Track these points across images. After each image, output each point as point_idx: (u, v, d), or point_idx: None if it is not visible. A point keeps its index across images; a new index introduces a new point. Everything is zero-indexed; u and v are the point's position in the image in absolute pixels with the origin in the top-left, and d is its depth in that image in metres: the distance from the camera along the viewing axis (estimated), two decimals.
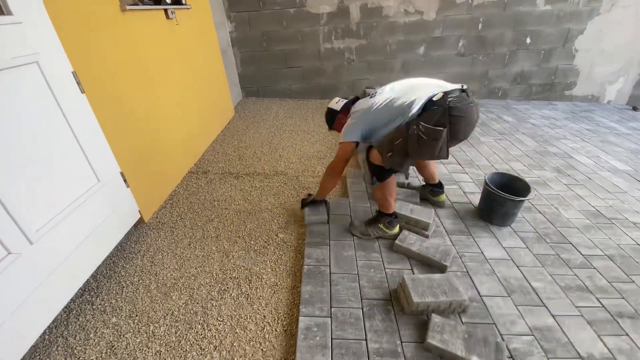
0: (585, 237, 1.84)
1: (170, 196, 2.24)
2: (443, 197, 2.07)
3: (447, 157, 1.42)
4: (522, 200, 1.79)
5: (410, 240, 1.69)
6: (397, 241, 1.68)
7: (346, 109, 1.73)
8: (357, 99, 1.75)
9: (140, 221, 1.93)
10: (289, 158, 2.80)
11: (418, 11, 3.91)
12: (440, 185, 2.05)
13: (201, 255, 1.73)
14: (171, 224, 1.97)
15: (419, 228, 1.81)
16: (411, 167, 2.18)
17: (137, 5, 1.99)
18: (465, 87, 1.43)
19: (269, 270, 1.63)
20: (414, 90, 1.47)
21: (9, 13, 1.15)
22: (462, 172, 2.51)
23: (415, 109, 1.41)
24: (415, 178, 2.33)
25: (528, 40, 4.10)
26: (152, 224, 1.97)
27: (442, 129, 1.33)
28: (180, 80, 2.50)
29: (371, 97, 1.60)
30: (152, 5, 2.16)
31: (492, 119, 3.71)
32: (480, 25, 4.00)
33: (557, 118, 3.81)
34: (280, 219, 2.00)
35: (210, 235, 1.87)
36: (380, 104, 1.52)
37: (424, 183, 2.12)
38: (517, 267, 1.62)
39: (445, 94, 1.37)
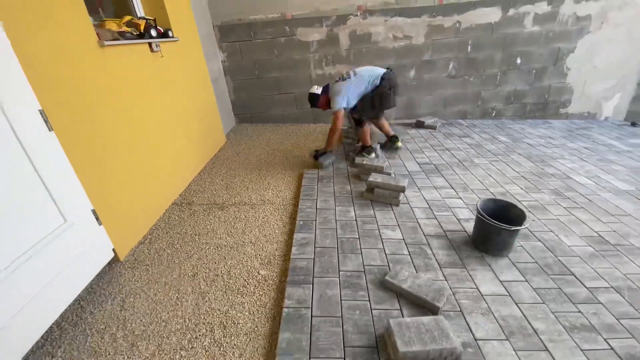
0: (588, 267, 1.72)
1: (150, 230, 2.15)
2: (399, 144, 3.28)
3: (395, 105, 2.91)
4: (518, 229, 1.68)
5: (402, 277, 1.57)
6: (387, 277, 1.57)
7: (325, 92, 2.79)
8: (328, 85, 2.84)
9: (115, 259, 1.83)
10: (277, 186, 2.73)
11: (407, 36, 3.95)
12: (396, 137, 3.27)
13: (175, 297, 1.62)
14: (148, 261, 1.87)
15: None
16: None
17: (118, 40, 1.99)
18: (390, 68, 2.83)
19: (246, 313, 1.51)
20: (370, 71, 2.75)
21: None
22: (455, 197, 2.41)
23: (377, 81, 2.69)
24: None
25: (518, 61, 4.11)
26: (127, 262, 1.87)
27: (391, 91, 2.69)
28: (165, 111, 2.48)
29: (344, 79, 2.75)
30: (134, 39, 2.17)
31: (486, 139, 3.65)
32: (469, 48, 4.03)
33: (553, 137, 3.75)
34: (262, 254, 1.90)
35: (187, 274, 1.76)
36: (357, 80, 2.71)
37: (386, 139, 3.33)
38: (516, 304, 1.49)
39: (385, 72, 2.72)
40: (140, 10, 2.59)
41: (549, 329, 1.37)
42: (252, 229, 2.13)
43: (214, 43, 3.94)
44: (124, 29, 2.13)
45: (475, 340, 1.32)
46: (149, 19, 2.37)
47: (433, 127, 4.02)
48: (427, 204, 2.32)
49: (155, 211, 2.27)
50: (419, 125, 4.10)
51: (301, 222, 2.09)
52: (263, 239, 2.02)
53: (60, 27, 1.53)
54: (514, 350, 1.28)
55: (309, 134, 4.05)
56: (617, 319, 1.42)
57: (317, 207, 2.30)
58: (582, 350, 1.29)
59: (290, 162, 3.19)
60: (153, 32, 2.36)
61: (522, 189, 2.54)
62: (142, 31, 2.26)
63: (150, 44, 2.34)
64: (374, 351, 1.27)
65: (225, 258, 1.86)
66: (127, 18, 2.18)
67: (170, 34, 2.60)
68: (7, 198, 1.24)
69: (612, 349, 1.29)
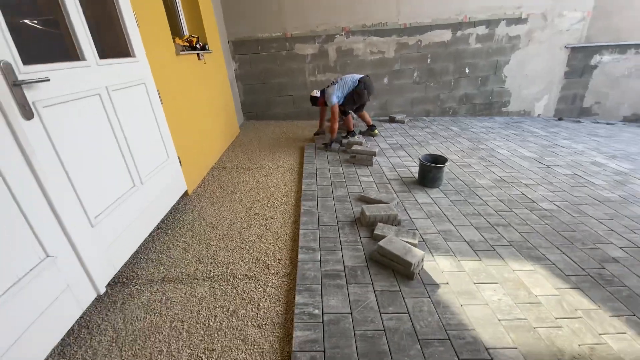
0: (487, 192, 2.77)
1: (202, 181, 3.10)
2: (376, 131, 4.38)
3: (369, 100, 4.10)
4: (442, 167, 2.73)
5: (371, 193, 2.58)
6: (362, 194, 2.58)
7: (322, 95, 3.98)
8: (323, 89, 3.97)
9: (185, 194, 2.77)
10: (285, 157, 3.72)
11: (380, 51, 5.09)
12: (374, 126, 4.38)
13: (231, 210, 2.57)
14: (207, 195, 2.82)
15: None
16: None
17: (184, 51, 2.99)
18: (367, 75, 3.94)
19: (278, 215, 2.48)
20: (351, 77, 3.85)
21: (134, 56, 2.10)
22: (411, 162, 3.47)
23: (356, 83, 3.79)
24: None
25: (467, 70, 5.30)
26: (193, 196, 2.82)
27: (365, 90, 3.79)
28: (206, 102, 3.46)
29: (335, 83, 3.85)
30: (190, 51, 3.16)
31: (441, 129, 4.76)
32: (429, 60, 5.19)
33: (492, 127, 4.90)
34: (283, 190, 2.88)
35: (235, 200, 2.72)
36: (342, 84, 3.82)
37: (367, 127, 4.43)
38: (438, 206, 2.52)
39: (362, 77, 3.82)
40: (186, 30, 3.59)
41: (453, 215, 2.40)
42: (272, 179, 3.12)
43: (229, 54, 4.96)
44: (185, 43, 3.13)
45: (411, 218, 2.34)
46: (195, 37, 3.37)
47: (402, 122, 5.12)
48: (392, 164, 3.36)
49: (203, 169, 3.22)
50: (391, 120, 5.19)
51: (306, 174, 3.09)
52: (281, 184, 3.01)
53: (163, 43, 2.52)
54: (432, 222, 2.30)
55: (305, 127, 5.08)
56: (495, 211, 2.46)
57: (317, 167, 3.30)
58: (470, 221, 2.31)
59: (293, 144, 4.20)
60: (198, 46, 3.37)
61: (458, 156, 3.63)
62: (194, 45, 3.26)
63: (198, 54, 3.34)
64: (354, 223, 2.27)
65: (258, 193, 2.84)
66: (186, 36, 3.18)
67: (207, 47, 3.61)
68: (147, 135, 2.19)
69: (487, 221, 2.32)
